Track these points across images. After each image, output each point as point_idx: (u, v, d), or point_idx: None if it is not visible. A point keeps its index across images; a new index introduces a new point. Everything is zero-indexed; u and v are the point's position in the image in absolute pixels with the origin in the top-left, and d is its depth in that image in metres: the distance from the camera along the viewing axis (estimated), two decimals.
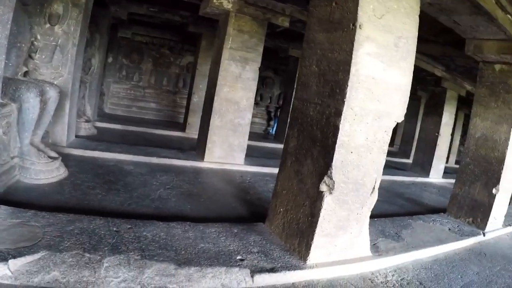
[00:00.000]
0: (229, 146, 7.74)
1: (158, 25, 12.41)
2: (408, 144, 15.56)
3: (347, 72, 3.41)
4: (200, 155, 7.73)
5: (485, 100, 6.63)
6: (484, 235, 6.08)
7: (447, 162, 14.23)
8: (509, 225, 7.15)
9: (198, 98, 10.91)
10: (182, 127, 11.87)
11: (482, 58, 6.56)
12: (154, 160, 7.08)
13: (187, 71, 14.59)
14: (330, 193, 3.55)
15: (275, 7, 7.48)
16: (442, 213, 6.87)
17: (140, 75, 14.47)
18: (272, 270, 3.33)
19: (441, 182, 11.81)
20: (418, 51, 9.59)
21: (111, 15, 9.98)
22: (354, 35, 3.37)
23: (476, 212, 6.47)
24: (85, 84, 8.67)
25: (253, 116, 15.89)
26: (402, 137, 16.89)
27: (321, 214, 3.55)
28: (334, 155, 3.48)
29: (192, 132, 10.34)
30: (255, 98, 15.89)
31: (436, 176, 12.18)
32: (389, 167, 12.57)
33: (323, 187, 3.55)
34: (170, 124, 13.17)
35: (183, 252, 3.32)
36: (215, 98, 7.49)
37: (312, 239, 3.54)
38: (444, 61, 10.54)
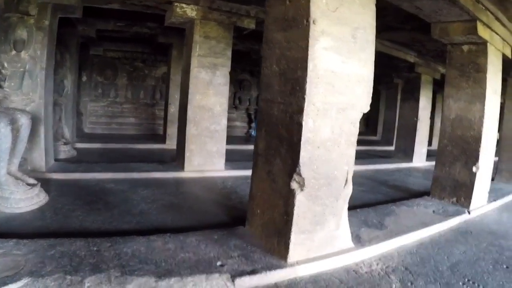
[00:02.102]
0: (207, 153, 7.71)
1: (129, 39, 12.33)
2: (390, 132, 15.63)
3: (304, 68, 3.41)
4: (180, 165, 7.70)
5: (456, 82, 6.71)
6: (469, 213, 6.15)
7: (430, 145, 14.40)
8: (494, 200, 7.27)
9: (175, 108, 10.82)
10: (162, 139, 11.80)
11: (449, 41, 6.63)
12: (135, 175, 7.03)
13: (163, 82, 14.48)
14: (302, 190, 3.55)
15: (240, 10, 7.50)
16: (426, 196, 6.93)
17: (116, 91, 14.38)
18: (253, 272, 3.32)
19: (425, 165, 11.90)
20: (388, 39, 9.85)
21: (80, 34, 9.91)
22: (308, 31, 3.37)
23: (459, 191, 6.53)
24: (60, 106, 8.60)
25: (234, 120, 16.11)
26: (384, 126, 16.94)
27: (295, 212, 3.55)
28: (301, 152, 3.48)
29: (172, 143, 10.30)
30: (234, 102, 16.25)
31: (419, 160, 12.31)
32: (373, 156, 12.76)
33: (293, 185, 3.55)
34: (150, 137, 13.09)
35: (163, 264, 3.30)
36: (188, 106, 7.47)
37: (289, 237, 3.53)
38: (415, 47, 10.61)
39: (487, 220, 6.18)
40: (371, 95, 4.01)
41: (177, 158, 8.16)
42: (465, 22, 6.09)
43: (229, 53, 7.79)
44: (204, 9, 7.26)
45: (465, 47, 6.56)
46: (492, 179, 9.40)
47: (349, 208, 4.55)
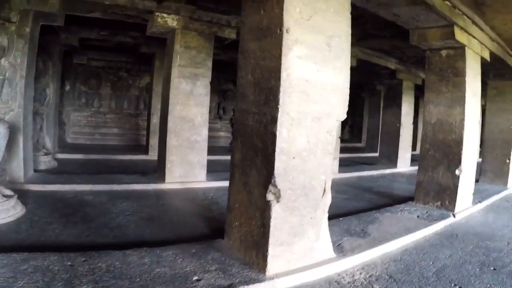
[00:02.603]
0: (189, 164, 7.62)
1: (113, 48, 12.28)
2: (374, 138, 15.72)
3: (278, 78, 3.37)
4: (161, 177, 7.59)
5: (436, 86, 6.77)
6: (454, 217, 6.17)
7: (414, 150, 14.48)
8: (479, 202, 7.36)
9: (157, 118, 10.63)
10: (145, 150, 11.72)
11: (427, 46, 6.71)
12: (115, 187, 6.92)
13: (147, 92, 14.35)
14: (278, 201, 3.48)
15: (221, 20, 7.49)
16: (411, 202, 6.97)
17: (100, 100, 14.28)
18: (230, 286, 3.23)
19: (410, 170, 11.94)
20: (368, 47, 9.89)
21: (63, 42, 9.83)
22: (281, 40, 3.33)
23: (443, 195, 6.57)
24: (41, 116, 8.48)
25: (218, 130, 16.09)
26: (368, 132, 17.10)
27: (272, 224, 3.47)
28: (275, 162, 3.42)
29: (155, 154, 10.17)
30: (218, 112, 16.20)
31: (403, 165, 12.42)
32: (357, 163, 12.80)
33: (269, 196, 3.47)
34: (133, 148, 13.02)
35: (138, 279, 3.21)
36: (169, 117, 7.39)
37: (267, 249, 3.46)
38: (396, 54, 10.74)
39: (473, 222, 6.22)
40: (347, 103, 3.97)
41: (158, 170, 8.05)
42: (443, 27, 6.15)
43: (209, 63, 7.74)
44: (185, 19, 7.22)
45: (444, 52, 6.62)
46: (477, 181, 9.62)
47: (332, 217, 4.53)
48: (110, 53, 13.20)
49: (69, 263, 3.39)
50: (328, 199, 3.93)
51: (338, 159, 10.09)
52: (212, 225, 5.25)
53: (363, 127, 19.05)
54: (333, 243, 4.19)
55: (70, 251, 3.65)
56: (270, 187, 3.47)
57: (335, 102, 3.84)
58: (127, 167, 9.25)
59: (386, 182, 9.87)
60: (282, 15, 3.34)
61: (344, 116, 3.95)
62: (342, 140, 19.53)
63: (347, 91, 3.96)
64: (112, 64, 14.14)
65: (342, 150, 16.78)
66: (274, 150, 3.41)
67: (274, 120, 3.42)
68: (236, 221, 4.02)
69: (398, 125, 12.36)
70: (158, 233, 4.86)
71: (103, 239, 4.50)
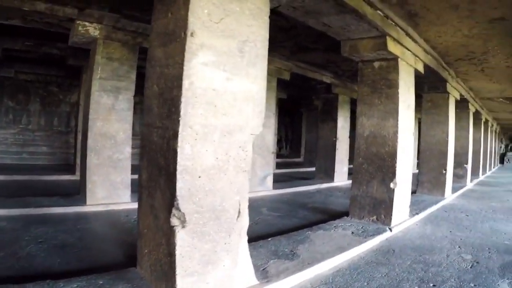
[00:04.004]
0: (111, 184, 7.08)
1: (41, 60, 11.64)
2: (312, 153, 15.94)
3: (180, 87, 3.01)
4: (83, 199, 7.00)
5: (368, 99, 6.68)
6: (391, 231, 6.05)
7: (351, 163, 14.52)
8: (417, 213, 7.36)
9: None
10: (73, 169, 10.98)
11: (360, 58, 6.62)
12: (32, 211, 6.33)
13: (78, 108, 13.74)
14: (183, 226, 3.08)
15: (146, 30, 7.02)
16: (346, 217, 6.79)
17: (28, 117, 13.54)
18: None
19: (347, 184, 11.88)
20: (303, 60, 9.80)
21: None
22: (185, 45, 2.99)
23: (378, 209, 6.45)
24: None
25: None
26: (305, 147, 17.24)
27: (178, 252, 3.07)
28: (177, 183, 3.03)
29: None
30: None
31: (341, 179, 12.56)
32: (295, 178, 12.76)
33: (174, 221, 3.06)
34: (62, 167, 12.29)
35: None
36: (89, 134, 6.86)
37: (175, 281, 3.05)
38: (331, 68, 10.79)
39: (410, 235, 6.11)
40: (263, 114, 3.64)
41: (80, 191, 7.46)
42: (375, 38, 6.05)
43: (133, 76, 7.30)
44: (107, 28, 6.79)
45: (376, 64, 6.54)
46: (414, 192, 9.74)
47: (260, 238, 4.24)
48: (39, 66, 12.54)
49: None
50: (244, 222, 3.55)
51: (272, 175, 9.87)
52: (130, 252, 4.74)
53: (302, 142, 19.18)
54: (257, 267, 3.88)
55: None
56: (174, 211, 3.06)
57: (249, 114, 3.50)
58: (51, 188, 8.66)
59: (322, 197, 9.73)
60: (187, 17, 2.99)
61: (259, 129, 3.61)
62: (281, 155, 19.60)
63: (263, 101, 3.64)
64: (42, 78, 13.48)
65: (281, 165, 16.89)
66: (175, 169, 3.03)
67: (175, 135, 3.05)
68: (146, 248, 3.60)
69: (334, 139, 12.45)
70: (69, 263, 4.36)
71: (7, 272, 3.97)
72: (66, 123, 14.09)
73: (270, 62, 8.97)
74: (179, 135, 3.01)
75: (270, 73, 9.32)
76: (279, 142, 25.20)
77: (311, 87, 12.81)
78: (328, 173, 12.45)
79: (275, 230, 5.85)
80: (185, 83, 3.01)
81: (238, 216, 3.47)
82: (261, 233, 5.70)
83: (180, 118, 3.00)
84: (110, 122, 7.02)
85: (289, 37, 7.78)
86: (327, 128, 12.72)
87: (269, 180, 9.66)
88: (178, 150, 3.01)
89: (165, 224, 3.19)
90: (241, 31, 3.36)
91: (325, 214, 7.49)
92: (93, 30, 6.67)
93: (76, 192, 7.83)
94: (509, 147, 33.26)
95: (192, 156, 3.10)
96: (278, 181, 10.91)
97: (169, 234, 3.13)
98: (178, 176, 3.03)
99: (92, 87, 6.84)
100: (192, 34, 2.99)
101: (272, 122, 9.70)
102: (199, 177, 3.16)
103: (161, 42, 3.43)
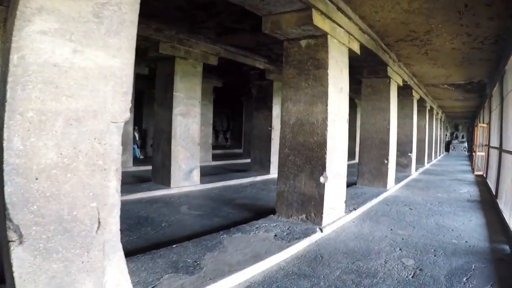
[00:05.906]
0: None
1: None
2: (250, 143, 15.02)
3: (7, 62, 2.18)
4: None
5: (294, 81, 5.96)
6: (321, 231, 5.31)
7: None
8: (354, 209, 6.71)
9: None
10: None
11: (284, 36, 5.87)
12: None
13: None
14: (21, 242, 2.19)
15: None
16: (273, 215, 6.01)
17: None
18: None
19: None
20: (231, 43, 8.92)
21: None
22: (16, 9, 2.18)
23: (308, 206, 5.72)
24: None
25: None
26: (244, 137, 16.50)
27: (16, 275, 2.20)
28: (5, 186, 2.17)
29: None
30: None
31: (277, 171, 11.65)
32: (231, 170, 11.93)
33: (10, 235, 2.18)
34: None
35: None
36: None
37: None
38: (263, 52, 10.04)
39: (345, 235, 5.38)
40: (129, 97, 2.73)
41: None
42: (299, 11, 5.30)
43: None
44: None
45: (303, 42, 5.84)
46: (354, 183, 9.15)
47: (166, 244, 3.90)
48: None
49: None
50: (109, 235, 2.62)
51: (198, 169, 8.95)
52: None
53: (243, 132, 18.32)
54: (146, 285, 3.05)
55: None
56: (8, 223, 2.17)
57: (108, 96, 2.61)
58: None
59: (254, 192, 8.93)
60: None
61: (126, 115, 2.69)
62: (222, 146, 18.82)
63: (129, 79, 2.73)
64: None
65: (221, 156, 16.07)
66: (2, 169, 2.18)
67: (0, 126, 2.20)
68: None
69: (269, 128, 11.61)
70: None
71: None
72: None
73: (194, 45, 8.19)
74: (5, 125, 2.17)
75: (195, 58, 8.54)
76: (224, 133, 24.49)
77: (244, 73, 11.97)
78: (264, 165, 11.69)
79: (188, 233, 5.03)
80: (14, 58, 2.20)
81: (98, 228, 2.57)
82: (170, 237, 4.87)
83: (6, 103, 2.16)
84: None
85: (210, 16, 6.90)
86: (261, 116, 11.90)
87: (196, 174, 8.75)
88: (5, 144, 2.18)
89: (4, 239, 2.24)
90: None
91: (251, 212, 6.68)
92: None
93: None
94: (454, 135, 33.81)
95: (24, 152, 2.25)
96: (211, 174, 10.25)
97: (7, 253, 2.26)
98: (6, 178, 2.19)
99: None
100: None
101: (197, 111, 8.73)
102: (36, 179, 2.29)
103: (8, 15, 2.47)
